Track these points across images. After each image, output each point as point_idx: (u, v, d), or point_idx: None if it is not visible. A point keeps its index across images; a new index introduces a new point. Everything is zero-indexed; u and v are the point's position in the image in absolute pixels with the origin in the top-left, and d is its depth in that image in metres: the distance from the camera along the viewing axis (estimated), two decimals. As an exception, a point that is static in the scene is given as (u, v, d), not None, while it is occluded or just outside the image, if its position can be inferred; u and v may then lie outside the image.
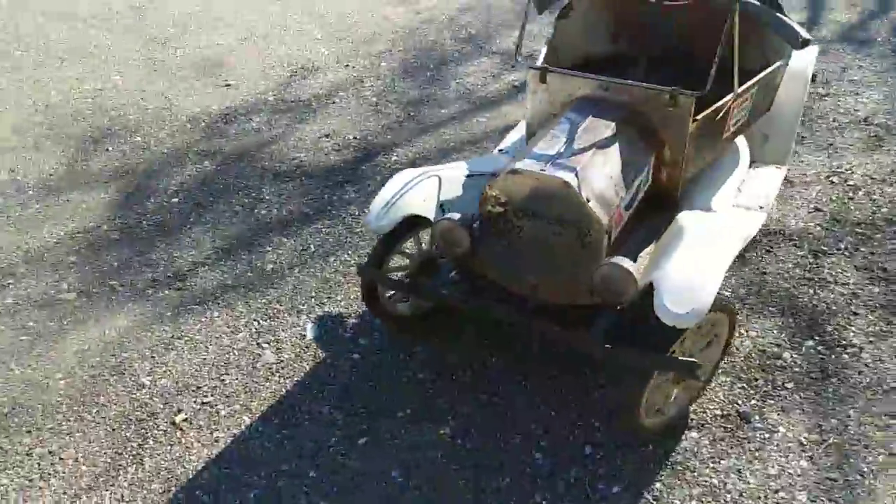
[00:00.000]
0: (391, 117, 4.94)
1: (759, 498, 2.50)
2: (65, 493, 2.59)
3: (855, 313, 3.11)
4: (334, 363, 3.10)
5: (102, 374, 3.12)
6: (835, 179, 3.86)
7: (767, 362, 2.96)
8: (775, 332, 3.08)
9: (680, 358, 2.26)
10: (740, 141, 3.22)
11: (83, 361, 3.19)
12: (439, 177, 2.73)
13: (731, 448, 2.64)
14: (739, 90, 2.61)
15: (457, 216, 2.48)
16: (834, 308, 3.14)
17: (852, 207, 3.66)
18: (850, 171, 3.95)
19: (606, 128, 2.59)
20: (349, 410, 2.87)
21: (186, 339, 3.29)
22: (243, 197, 4.20)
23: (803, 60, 3.27)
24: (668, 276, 2.21)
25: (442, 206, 2.67)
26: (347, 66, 5.64)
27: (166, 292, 3.53)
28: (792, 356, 2.98)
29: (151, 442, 2.79)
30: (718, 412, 2.80)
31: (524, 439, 2.72)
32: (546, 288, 2.46)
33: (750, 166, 3.22)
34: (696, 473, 2.57)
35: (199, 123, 4.98)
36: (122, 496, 2.61)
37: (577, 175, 2.37)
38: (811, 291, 3.23)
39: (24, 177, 4.44)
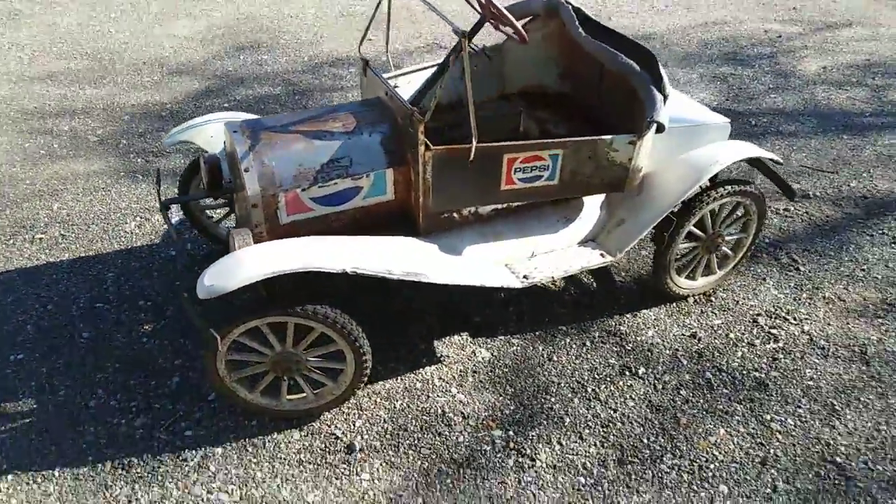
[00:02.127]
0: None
1: None
2: None
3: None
4: None
5: None
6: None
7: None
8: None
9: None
10: (582, 213, 2.83)
11: None
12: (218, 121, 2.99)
13: None
14: (475, 143, 2.34)
15: (206, 155, 2.63)
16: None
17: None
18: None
19: (344, 126, 2.54)
20: None
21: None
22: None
23: (705, 154, 2.75)
24: (237, 260, 2.19)
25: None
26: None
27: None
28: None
29: None
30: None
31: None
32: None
33: (584, 242, 2.74)
34: None
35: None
36: None
37: (251, 147, 2.38)
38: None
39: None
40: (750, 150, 2.81)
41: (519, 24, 2.45)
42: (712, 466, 2.43)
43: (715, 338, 2.94)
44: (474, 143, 2.35)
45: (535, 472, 2.40)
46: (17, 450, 2.44)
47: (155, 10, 6.38)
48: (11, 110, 4.63)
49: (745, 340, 2.93)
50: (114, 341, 2.87)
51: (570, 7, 3.01)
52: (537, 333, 2.94)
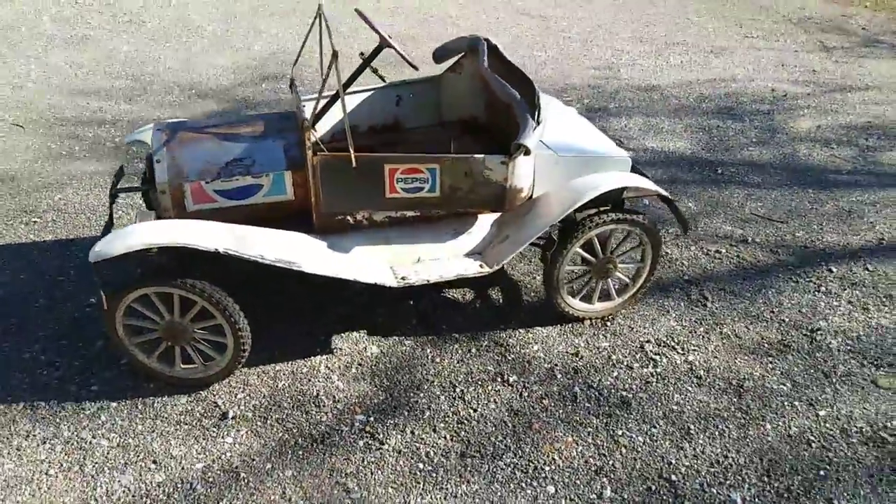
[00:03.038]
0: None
1: None
2: None
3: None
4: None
5: None
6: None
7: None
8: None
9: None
10: (472, 228, 3.06)
11: None
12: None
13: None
14: (353, 153, 2.68)
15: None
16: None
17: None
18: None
19: (254, 131, 2.96)
20: None
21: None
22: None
23: (587, 181, 2.96)
24: (137, 232, 2.54)
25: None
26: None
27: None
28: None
29: None
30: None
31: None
32: None
33: (470, 254, 2.98)
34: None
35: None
36: None
37: (166, 144, 2.82)
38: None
39: None
40: (631, 180, 2.99)
41: (404, 54, 2.77)
42: (547, 469, 2.57)
43: (597, 358, 3.07)
44: (351, 151, 2.65)
45: (380, 453, 2.61)
46: (-49, 385, 2.86)
47: (206, 43, 7.07)
48: (51, 117, 5.28)
49: (625, 363, 3.05)
50: (62, 310, 3.28)
51: (486, 43, 3.30)
52: (430, 337, 3.16)
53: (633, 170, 3.23)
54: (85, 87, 5.88)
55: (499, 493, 2.48)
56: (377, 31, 2.75)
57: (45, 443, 2.63)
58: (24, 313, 3.27)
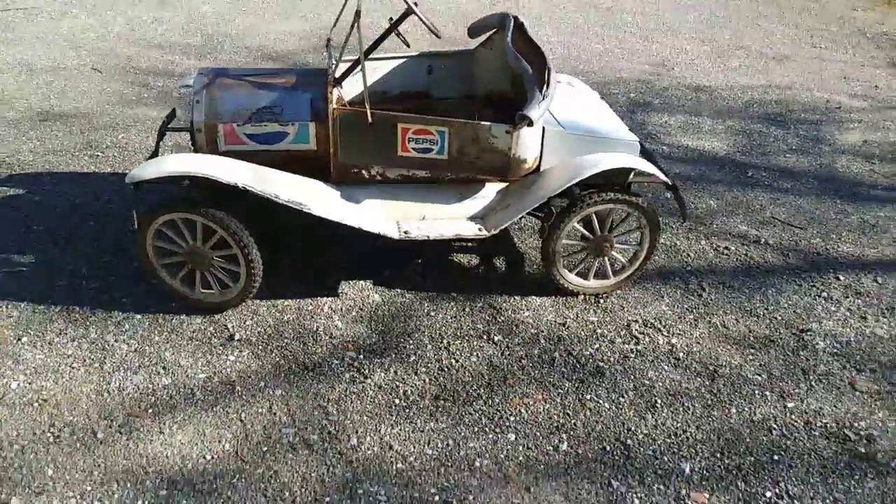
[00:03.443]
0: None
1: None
2: None
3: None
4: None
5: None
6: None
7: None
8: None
9: None
10: (478, 194, 3.25)
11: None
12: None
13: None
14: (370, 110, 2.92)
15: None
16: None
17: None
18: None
19: (286, 83, 3.21)
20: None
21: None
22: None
23: (589, 159, 3.10)
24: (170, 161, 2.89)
25: None
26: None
27: None
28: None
29: None
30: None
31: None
32: None
33: (473, 218, 3.18)
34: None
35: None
36: None
37: (206, 87, 3.10)
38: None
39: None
40: (633, 162, 3.12)
41: (430, 23, 2.99)
42: (512, 419, 2.76)
43: (582, 330, 3.23)
44: (368, 108, 2.89)
45: (362, 386, 2.86)
46: (7, 284, 3.25)
47: (279, 9, 7.44)
48: (129, 66, 5.73)
49: (608, 338, 3.20)
50: (108, 232, 3.65)
51: (513, 20, 3.48)
52: (429, 293, 3.38)
53: (645, 156, 3.36)
54: (162, 41, 6.32)
55: (462, 434, 2.69)
56: (405, 0, 2.98)
57: (73, 341, 2.98)
58: (75, 231, 3.65)
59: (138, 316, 3.13)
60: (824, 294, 3.57)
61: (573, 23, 7.68)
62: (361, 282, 3.43)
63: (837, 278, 3.70)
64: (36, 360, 2.89)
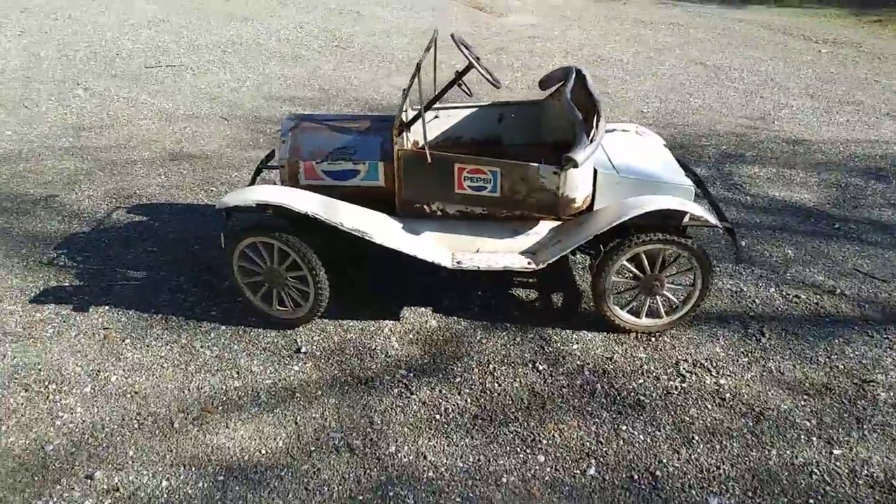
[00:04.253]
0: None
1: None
2: None
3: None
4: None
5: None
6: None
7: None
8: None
9: None
10: (531, 231, 3.44)
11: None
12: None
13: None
14: (427, 150, 3.21)
15: None
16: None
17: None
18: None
19: (361, 127, 3.59)
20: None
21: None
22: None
23: (638, 201, 3.22)
24: (254, 190, 3.33)
25: None
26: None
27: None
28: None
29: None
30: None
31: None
32: None
33: (524, 253, 3.39)
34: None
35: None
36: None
37: (292, 129, 3.56)
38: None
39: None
40: (679, 203, 3.20)
41: (487, 74, 3.27)
42: (545, 442, 2.88)
43: (628, 365, 3.30)
44: (427, 149, 3.18)
45: (408, 400, 3.08)
46: (120, 294, 3.77)
47: (393, 67, 8.02)
48: (252, 115, 6.41)
49: (654, 374, 3.24)
50: (208, 255, 4.13)
51: (576, 72, 3.69)
52: (484, 322, 3.57)
53: (706, 201, 3.43)
54: (285, 94, 7.01)
55: (494, 452, 2.83)
56: (465, 55, 3.28)
57: (167, 344, 3.41)
58: (182, 253, 4.16)
59: (223, 327, 3.53)
60: (896, 347, 3.44)
61: (675, 80, 7.74)
62: (422, 308, 3.68)
63: (916, 333, 3.55)
64: (134, 358, 3.33)
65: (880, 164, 5.54)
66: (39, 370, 3.25)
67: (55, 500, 2.62)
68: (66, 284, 3.87)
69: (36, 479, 2.71)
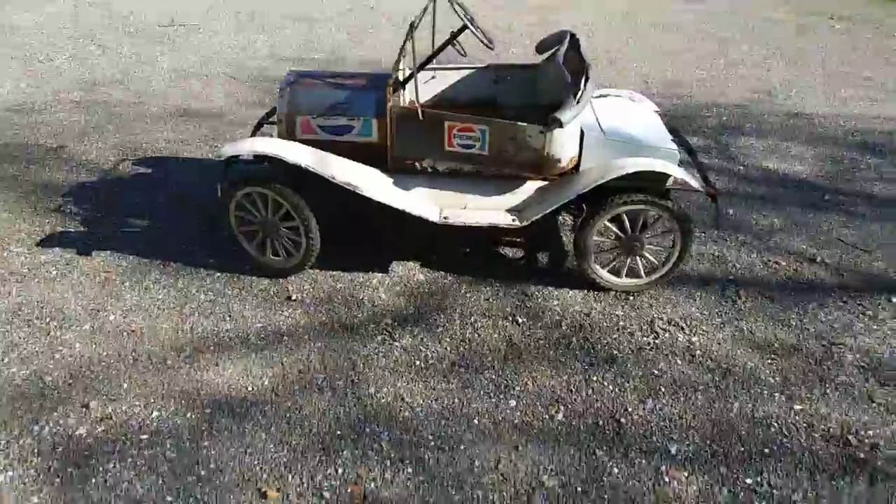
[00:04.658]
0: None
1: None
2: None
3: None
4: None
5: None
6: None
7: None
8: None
9: None
10: (517, 189, 3.53)
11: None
12: None
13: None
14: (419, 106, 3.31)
15: None
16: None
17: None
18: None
19: (357, 83, 3.67)
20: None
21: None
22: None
23: (620, 162, 3.32)
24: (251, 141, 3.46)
25: None
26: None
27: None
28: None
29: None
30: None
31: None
32: None
33: (510, 210, 3.50)
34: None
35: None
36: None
37: (291, 83, 3.63)
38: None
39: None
40: (662, 166, 3.29)
41: (481, 35, 3.36)
42: (517, 388, 3.02)
43: (605, 321, 3.42)
44: (418, 106, 3.28)
45: (389, 346, 3.22)
46: (124, 240, 3.92)
47: (398, 31, 8.06)
48: (260, 75, 6.52)
49: (629, 331, 3.36)
50: (211, 208, 4.27)
51: (570, 37, 3.76)
52: (468, 277, 3.70)
53: (694, 167, 3.51)
54: (294, 56, 7.10)
55: (468, 396, 2.97)
56: (460, 15, 3.36)
57: (164, 288, 3.58)
58: (184, 204, 4.31)
59: (218, 274, 3.68)
60: (869, 313, 3.52)
61: (683, 50, 7.74)
62: (411, 263, 3.81)
63: (890, 300, 3.63)
64: (132, 300, 3.49)
65: (879, 140, 5.56)
66: (42, 308, 3.42)
67: (52, 425, 2.80)
68: (72, 230, 4.03)
69: (34, 406, 2.89)
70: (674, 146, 3.50)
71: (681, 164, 3.46)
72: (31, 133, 5.20)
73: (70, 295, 3.51)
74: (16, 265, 3.72)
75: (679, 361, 3.19)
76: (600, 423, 2.86)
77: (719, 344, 3.30)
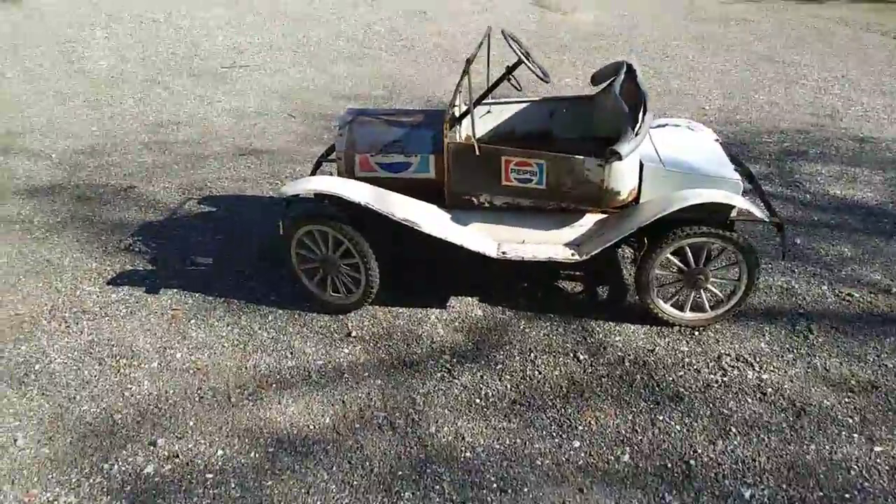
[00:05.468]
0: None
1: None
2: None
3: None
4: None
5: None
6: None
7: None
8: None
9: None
10: (576, 223, 3.50)
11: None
12: None
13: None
14: (475, 142, 3.31)
15: None
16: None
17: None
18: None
19: (414, 121, 3.73)
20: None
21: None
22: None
23: (681, 194, 3.26)
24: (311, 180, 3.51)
25: None
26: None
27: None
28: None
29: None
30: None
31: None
32: None
33: (569, 245, 3.47)
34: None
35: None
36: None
37: (349, 123, 3.70)
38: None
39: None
40: (724, 197, 3.21)
41: (537, 69, 3.37)
42: (580, 428, 2.95)
43: (670, 358, 3.33)
44: (475, 142, 3.30)
45: (450, 384, 3.20)
46: (188, 278, 4.03)
47: (456, 66, 8.16)
48: (318, 113, 6.67)
49: (695, 367, 3.26)
50: (271, 243, 4.35)
51: (626, 67, 3.73)
52: (528, 313, 3.66)
53: (757, 196, 3.42)
54: (350, 93, 7.25)
55: (530, 436, 2.93)
56: (515, 50, 3.38)
57: (228, 325, 3.64)
58: (246, 241, 4.41)
59: (279, 311, 3.74)
60: (953, 348, 3.35)
61: (740, 76, 7.60)
62: (468, 298, 3.79)
63: (976, 334, 3.44)
64: (198, 337, 3.57)
65: (954, 163, 5.33)
66: (112, 346, 3.52)
67: (121, 463, 2.86)
68: (140, 268, 4.16)
69: (104, 444, 2.96)
70: (736, 175, 3.42)
71: (744, 193, 3.38)
72: (102, 174, 5.41)
73: (139, 333, 3.61)
74: (88, 304, 3.85)
75: (749, 400, 3.08)
76: (668, 465, 2.78)
77: (792, 381, 3.17)
